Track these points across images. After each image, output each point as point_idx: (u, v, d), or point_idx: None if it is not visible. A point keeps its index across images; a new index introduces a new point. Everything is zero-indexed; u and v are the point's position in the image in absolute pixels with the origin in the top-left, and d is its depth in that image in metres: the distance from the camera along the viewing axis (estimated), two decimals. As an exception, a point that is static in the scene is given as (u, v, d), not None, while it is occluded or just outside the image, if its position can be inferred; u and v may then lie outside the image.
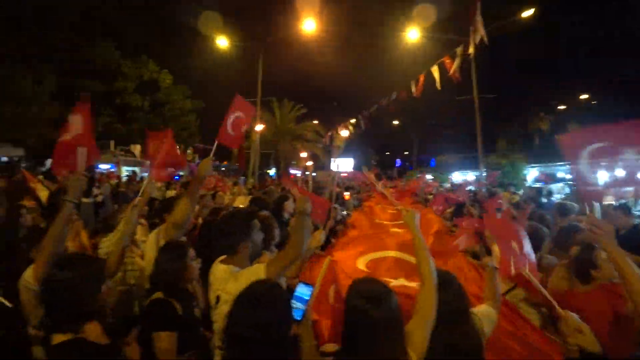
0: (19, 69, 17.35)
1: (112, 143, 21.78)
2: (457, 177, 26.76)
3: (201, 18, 22.14)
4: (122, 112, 24.06)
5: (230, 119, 3.02)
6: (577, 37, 38.24)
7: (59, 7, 19.22)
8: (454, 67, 12.18)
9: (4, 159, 17.12)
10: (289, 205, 4.64)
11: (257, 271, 1.96)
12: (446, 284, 1.75)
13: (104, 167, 20.14)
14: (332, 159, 23.58)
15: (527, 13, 14.21)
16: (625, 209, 4.60)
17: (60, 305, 1.60)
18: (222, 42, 19.15)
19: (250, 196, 5.60)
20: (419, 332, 1.57)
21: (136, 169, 21.55)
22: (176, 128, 26.20)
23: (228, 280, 1.98)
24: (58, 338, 1.56)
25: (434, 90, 13.94)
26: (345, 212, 6.94)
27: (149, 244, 2.67)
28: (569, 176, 19.33)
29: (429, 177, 29.16)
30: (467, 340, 1.67)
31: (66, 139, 2.61)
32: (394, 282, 2.73)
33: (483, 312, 1.88)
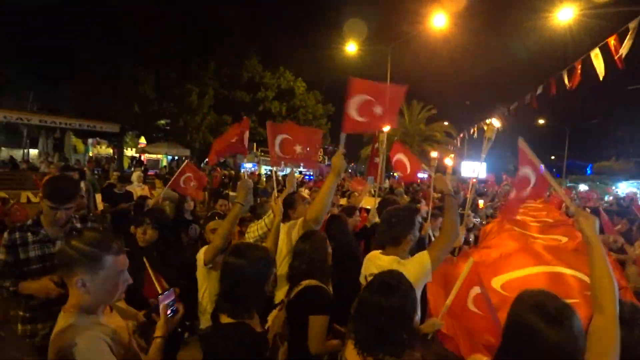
0: (188, 86, 21.32)
1: (254, 145, 24.88)
2: (624, 188, 21.76)
3: (332, 28, 23.38)
4: (264, 118, 27.17)
5: (352, 105, 2.87)
6: None
7: (219, 30, 22.92)
8: (625, 45, 9.78)
9: (176, 157, 21.40)
10: (422, 208, 4.57)
11: (423, 257, 2.13)
12: (630, 320, 1.39)
13: (248, 166, 23.28)
14: (462, 160, 21.99)
15: None
16: None
17: (237, 292, 1.78)
18: (351, 47, 19.86)
19: (379, 198, 5.67)
20: None
21: (273, 168, 24.26)
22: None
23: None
24: (225, 319, 1.77)
25: (594, 81, 11.60)
26: (477, 220, 6.45)
27: (281, 236, 2.92)
28: None
29: (583, 187, 24.39)
30: None
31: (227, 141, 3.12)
32: None
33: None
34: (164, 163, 24.65)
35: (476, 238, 5.26)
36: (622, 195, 17.99)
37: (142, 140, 24.00)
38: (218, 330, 1.79)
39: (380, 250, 2.37)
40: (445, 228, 2.19)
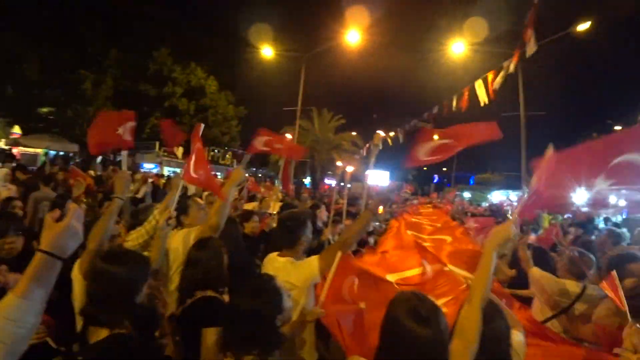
0: (83, 71, 18.84)
1: (157, 144, 22.93)
2: (497, 196, 25.68)
3: (249, 28, 23.08)
4: (170, 115, 25.33)
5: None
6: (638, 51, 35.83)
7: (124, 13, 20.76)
8: (497, 80, 11.69)
9: (61, 152, 18.49)
10: (322, 214, 4.68)
11: (312, 262, 2.22)
12: (493, 317, 1.56)
13: (148, 166, 21.27)
14: (367, 169, 23.39)
15: (582, 26, 13.49)
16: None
17: (104, 298, 1.60)
18: (267, 51, 19.77)
19: (281, 202, 5.68)
20: (461, 355, 1.43)
21: (178, 170, 22.64)
22: (218, 132, 27.31)
23: (290, 271, 2.22)
24: (95, 332, 1.56)
25: (478, 105, 13.48)
26: (377, 224, 6.86)
27: (175, 244, 2.74)
28: (622, 202, 18.00)
29: (467, 194, 28.27)
30: None
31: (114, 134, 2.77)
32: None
33: (517, 345, 1.70)
34: (43, 159, 21.22)
35: (376, 242, 5.58)
36: (495, 202, 21.24)
37: (16, 129, 20.26)
38: (88, 352, 1.56)
39: (277, 253, 2.43)
40: (343, 237, 2.29)
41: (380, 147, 4.20)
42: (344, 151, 29.42)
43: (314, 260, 2.23)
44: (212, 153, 26.92)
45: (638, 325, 1.67)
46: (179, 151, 23.53)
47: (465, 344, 1.46)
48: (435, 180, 47.29)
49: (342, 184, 7.01)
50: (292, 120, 21.94)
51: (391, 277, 3.26)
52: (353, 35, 16.76)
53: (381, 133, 4.44)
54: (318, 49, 20.46)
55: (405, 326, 1.37)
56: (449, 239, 5.21)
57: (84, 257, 2.11)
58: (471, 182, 42.65)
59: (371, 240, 5.78)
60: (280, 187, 6.59)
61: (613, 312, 2.45)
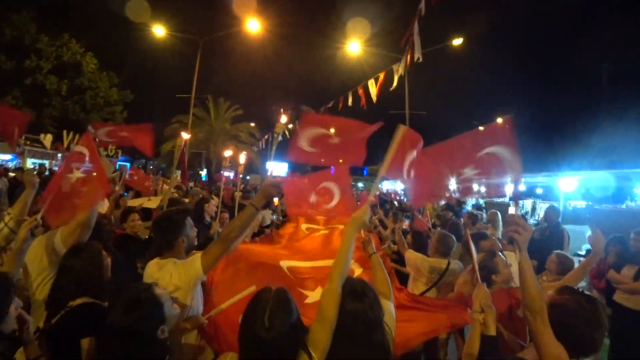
0: None
1: (16, 130, 19.06)
2: (387, 185, 28.15)
3: (137, 3, 20.69)
4: (32, 95, 21.32)
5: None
6: (498, 65, 42.91)
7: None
8: (395, 80, 12.87)
9: None
10: (211, 208, 4.52)
11: (195, 261, 2.10)
12: (362, 295, 1.70)
13: (3, 157, 17.56)
14: (266, 160, 23.38)
15: (457, 41, 15.71)
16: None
17: None
18: (159, 30, 18.01)
19: (160, 197, 5.28)
20: (319, 333, 1.57)
21: (45, 161, 19.24)
22: (98, 118, 24.01)
23: (172, 273, 2.09)
24: None
25: (371, 102, 14.53)
26: (274, 217, 6.92)
27: (35, 252, 2.34)
28: (483, 189, 21.51)
29: (360, 185, 30.45)
30: (379, 355, 1.65)
31: None
32: (312, 295, 2.77)
33: (386, 313, 1.88)
34: None
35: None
36: (384, 191, 23.24)
37: None
38: None
39: (158, 257, 2.25)
40: (226, 234, 2.15)
41: (280, 138, 4.20)
42: (241, 142, 28.76)
43: (196, 258, 2.12)
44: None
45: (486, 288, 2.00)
46: (47, 139, 20.09)
47: (323, 322, 1.60)
48: (332, 172, 49.51)
49: (240, 176, 6.87)
50: (185, 109, 20.56)
51: (284, 264, 3.38)
52: (253, 24, 16.38)
53: (283, 122, 4.46)
54: (216, 34, 19.49)
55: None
56: (341, 226, 5.55)
57: None
58: (365, 173, 45.82)
59: (267, 232, 5.82)
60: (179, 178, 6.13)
61: (467, 281, 2.93)
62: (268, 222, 6.16)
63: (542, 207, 10.68)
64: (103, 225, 3.78)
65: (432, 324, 2.52)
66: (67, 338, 1.88)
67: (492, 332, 1.86)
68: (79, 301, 1.98)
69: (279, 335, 1.44)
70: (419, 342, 2.55)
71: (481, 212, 8.66)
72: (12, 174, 9.07)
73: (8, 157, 17.80)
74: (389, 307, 1.94)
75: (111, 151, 22.50)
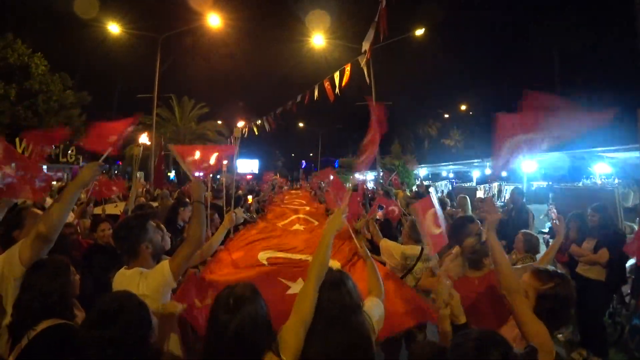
0: None
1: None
2: (358, 176, 28.57)
3: (90, 0, 19.64)
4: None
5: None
6: (460, 54, 44.14)
7: None
8: (365, 71, 13.01)
9: None
10: (185, 213, 4.39)
11: (163, 267, 2.05)
12: (339, 283, 1.73)
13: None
14: (235, 162, 23.00)
15: (419, 32, 15.99)
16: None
17: None
18: (113, 28, 17.20)
19: (124, 202, 5.08)
20: (291, 333, 1.58)
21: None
22: (55, 123, 22.66)
23: (139, 282, 2.01)
24: None
25: (337, 95, 14.58)
26: (247, 215, 6.84)
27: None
28: (451, 175, 22.23)
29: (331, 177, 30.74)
30: (358, 337, 1.68)
31: None
32: (294, 285, 2.78)
33: (371, 306, 1.92)
34: None
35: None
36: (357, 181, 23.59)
37: None
38: None
39: (125, 267, 2.17)
40: (189, 235, 2.16)
41: (239, 139, 4.20)
42: (209, 141, 28.16)
43: (164, 264, 2.07)
44: (47, 149, 22.29)
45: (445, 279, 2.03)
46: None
47: (298, 317, 1.62)
48: (303, 166, 49.52)
49: (211, 175, 6.70)
50: (148, 109, 19.80)
51: (262, 255, 3.42)
52: (214, 18, 15.97)
53: (239, 124, 4.41)
54: (176, 31, 18.85)
55: (217, 317, 1.53)
56: (316, 222, 5.61)
57: None
58: (336, 165, 46.11)
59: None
60: (144, 182, 5.91)
61: (458, 264, 2.94)
62: (241, 220, 6.07)
63: (507, 189, 11.15)
64: (67, 236, 3.57)
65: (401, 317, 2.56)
66: None
67: (462, 319, 1.92)
68: (45, 324, 1.83)
69: (241, 325, 1.46)
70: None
71: (448, 200, 8.89)
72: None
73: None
74: (376, 302, 1.99)
75: (71, 157, 21.41)
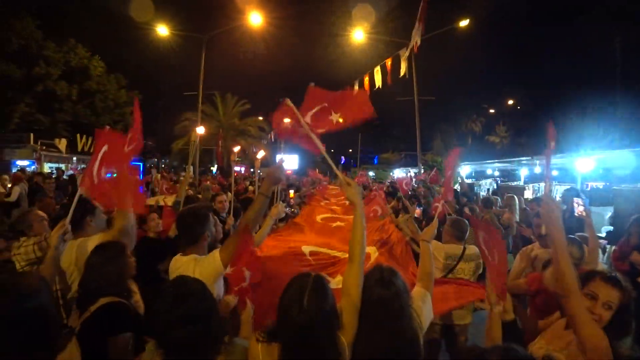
0: None
1: (31, 136, 19.46)
2: (398, 173, 28.00)
3: (140, 4, 20.80)
4: (45, 101, 21.64)
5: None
6: (506, 47, 41.85)
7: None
8: (403, 68, 12.69)
9: None
10: (225, 203, 4.58)
11: (215, 256, 2.16)
12: (389, 282, 1.67)
13: (22, 163, 17.96)
14: (277, 154, 23.44)
15: (463, 23, 15.30)
16: (538, 201, 5.07)
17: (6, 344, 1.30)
18: (162, 30, 18.10)
19: (175, 195, 5.30)
20: (346, 314, 1.60)
21: (62, 165, 19.64)
22: (109, 120, 24.34)
23: (194, 268, 2.14)
24: None
25: (378, 90, 14.39)
26: (289, 210, 6.95)
27: (69, 257, 2.44)
28: (497, 173, 21.21)
29: (371, 173, 30.36)
30: (404, 342, 1.63)
31: None
32: (333, 282, 2.80)
33: (419, 302, 1.87)
34: None
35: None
36: (395, 178, 23.20)
37: None
38: None
39: (180, 253, 2.30)
40: (241, 224, 2.24)
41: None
42: (251, 137, 28.86)
43: (215, 253, 2.18)
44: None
45: None
46: (62, 144, 20.46)
47: (349, 300, 1.64)
48: (342, 162, 49.45)
49: (251, 170, 6.88)
50: (194, 106, 20.65)
51: (306, 249, 3.47)
52: (255, 17, 16.30)
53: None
54: (219, 30, 19.45)
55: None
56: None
57: None
58: (375, 161, 45.59)
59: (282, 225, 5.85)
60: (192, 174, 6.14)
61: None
62: (283, 215, 6.19)
63: (558, 190, 10.47)
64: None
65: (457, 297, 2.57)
66: (94, 338, 1.92)
67: (511, 315, 1.89)
68: (103, 301, 2.00)
69: (315, 320, 1.47)
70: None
71: (497, 197, 8.54)
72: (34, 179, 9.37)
73: (26, 162, 18.20)
74: (424, 295, 1.94)
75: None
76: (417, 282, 2.11)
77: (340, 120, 2.39)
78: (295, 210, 6.98)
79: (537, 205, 4.98)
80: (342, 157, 52.13)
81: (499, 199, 8.40)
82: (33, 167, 18.00)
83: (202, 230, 2.33)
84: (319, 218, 5.33)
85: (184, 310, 1.44)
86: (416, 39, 10.41)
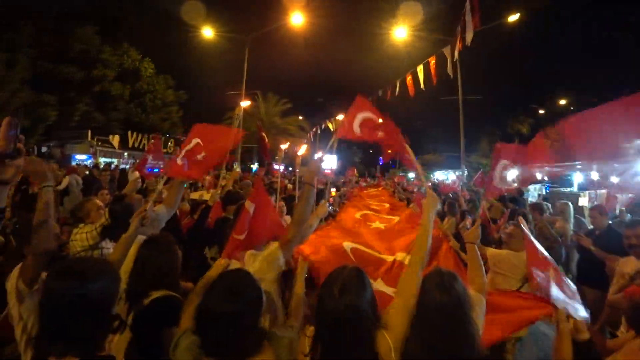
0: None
1: (89, 133, 21.00)
2: (440, 175, 27.24)
3: (186, 7, 21.74)
4: (101, 101, 23.21)
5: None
6: (560, 44, 39.29)
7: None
8: (448, 67, 12.24)
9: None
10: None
11: (276, 252, 2.15)
12: (449, 288, 1.57)
13: (80, 157, 19.45)
14: (316, 153, 23.52)
15: (513, 18, 14.50)
16: (600, 209, 4.67)
17: (72, 324, 1.33)
18: (207, 32, 18.80)
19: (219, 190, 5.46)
20: (397, 317, 1.56)
21: (114, 160, 20.99)
22: (157, 119, 25.69)
23: (254, 264, 2.15)
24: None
25: (419, 89, 14.00)
26: (331, 208, 6.93)
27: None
28: (546, 178, 19.94)
29: (411, 175, 29.74)
30: (461, 348, 1.53)
31: None
32: (374, 284, 2.74)
33: (475, 307, 1.73)
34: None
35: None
36: (436, 181, 22.53)
37: None
38: None
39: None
40: (295, 217, 2.26)
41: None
42: (291, 135, 29.20)
43: (275, 250, 2.17)
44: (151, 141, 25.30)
45: None
46: (115, 140, 21.86)
47: (403, 301, 1.62)
48: (381, 163, 48.79)
49: (290, 169, 6.92)
50: (236, 105, 21.24)
51: (347, 245, 3.43)
52: (297, 17, 16.46)
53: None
54: (262, 31, 19.85)
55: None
56: (396, 218, 5.47)
57: (26, 265, 1.77)
58: (414, 163, 44.64)
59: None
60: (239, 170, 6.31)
61: None
62: (325, 214, 6.18)
63: (619, 200, 9.62)
64: (178, 217, 4.03)
65: (516, 317, 2.41)
66: (149, 330, 1.97)
67: (585, 335, 1.73)
68: (155, 294, 2.04)
69: (351, 311, 1.44)
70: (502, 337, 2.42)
71: (547, 204, 8.02)
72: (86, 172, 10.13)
73: (84, 156, 19.69)
74: (480, 300, 1.83)
75: (170, 148, 23.97)
76: (469, 286, 1.98)
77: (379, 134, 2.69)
78: (337, 209, 6.95)
79: (599, 212, 4.56)
80: (381, 158, 51.46)
81: (549, 205, 7.88)
82: (90, 160, 19.37)
83: None
84: (358, 215, 5.27)
85: (232, 306, 1.44)
86: (467, 34, 9.97)
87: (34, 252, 1.72)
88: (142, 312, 2.00)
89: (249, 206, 2.32)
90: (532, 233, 3.56)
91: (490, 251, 3.63)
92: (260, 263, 2.13)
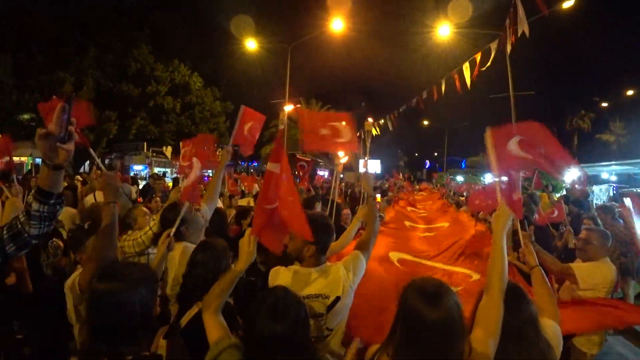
0: (61, 73, 18.34)
1: (145, 145, 22.55)
2: (489, 178, 25.81)
3: (231, 21, 22.68)
4: (155, 115, 24.80)
5: (244, 129, 3.25)
6: (622, 28, 35.98)
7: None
8: (489, 61, 11.60)
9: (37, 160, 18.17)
10: (318, 208, 4.54)
11: (361, 260, 2.16)
12: (520, 295, 1.53)
13: (137, 168, 20.91)
14: (360, 161, 23.41)
15: (568, 4, 13.44)
16: None
17: (117, 326, 1.42)
18: (251, 44, 19.46)
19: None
20: (482, 346, 1.40)
21: (167, 169, 22.31)
22: (206, 129, 26.94)
23: (323, 283, 2.04)
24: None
25: (466, 88, 13.39)
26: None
27: (173, 255, 2.59)
28: (613, 177, 18.18)
29: (459, 178, 28.57)
30: (540, 353, 1.47)
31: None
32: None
33: (548, 331, 1.61)
34: (29, 167, 20.70)
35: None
36: (487, 183, 21.41)
37: (-2, 138, 19.77)
38: None
39: (297, 263, 2.18)
40: (369, 224, 2.38)
41: (373, 134, 4.24)
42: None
43: (361, 258, 2.17)
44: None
45: None
46: (168, 151, 23.19)
47: (486, 333, 1.43)
48: (427, 166, 47.47)
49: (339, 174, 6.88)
50: (280, 113, 21.71)
51: (394, 255, 3.34)
52: (337, 23, 16.52)
53: (370, 120, 4.46)
54: (302, 39, 20.15)
55: (414, 307, 1.31)
56: (446, 224, 5.24)
57: (85, 272, 1.90)
58: (463, 165, 42.84)
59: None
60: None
61: None
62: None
63: None
64: (226, 222, 4.13)
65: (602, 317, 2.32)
66: (200, 337, 1.93)
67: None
68: None
69: (447, 318, 1.29)
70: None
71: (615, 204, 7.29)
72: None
73: (141, 167, 21.14)
74: (553, 327, 1.65)
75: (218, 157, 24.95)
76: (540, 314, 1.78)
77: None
78: (383, 215, 6.81)
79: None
80: (427, 161, 50.09)
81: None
82: (146, 170, 20.73)
83: (330, 241, 2.28)
84: (407, 224, 5.11)
85: (279, 326, 1.40)
86: (522, 25, 9.34)
87: (97, 259, 1.85)
88: (197, 316, 1.99)
89: (273, 167, 1.85)
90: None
91: (577, 266, 3.18)
92: (348, 274, 2.08)
